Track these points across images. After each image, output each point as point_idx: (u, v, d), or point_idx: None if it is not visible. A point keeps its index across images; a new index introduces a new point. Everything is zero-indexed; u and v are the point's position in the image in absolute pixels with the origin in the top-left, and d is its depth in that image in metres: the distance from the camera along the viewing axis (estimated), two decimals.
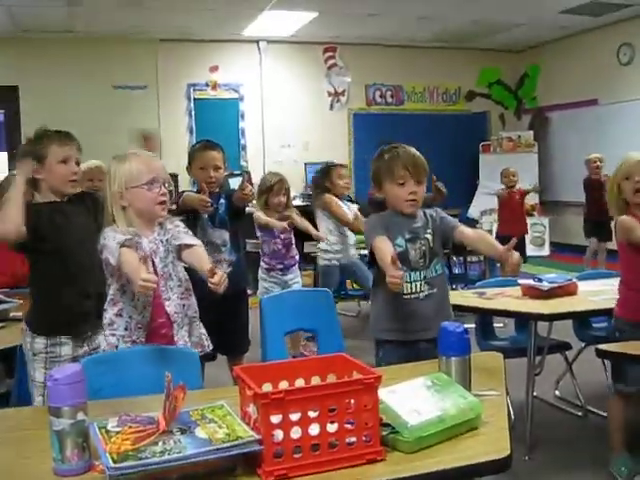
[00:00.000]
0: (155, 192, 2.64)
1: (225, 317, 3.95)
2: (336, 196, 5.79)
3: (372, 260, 2.87)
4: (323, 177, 5.99)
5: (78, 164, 3.05)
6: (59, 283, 2.94)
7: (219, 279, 2.40)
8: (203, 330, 2.83)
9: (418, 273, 2.92)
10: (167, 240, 2.69)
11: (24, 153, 3.04)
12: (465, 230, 3.02)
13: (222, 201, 4.12)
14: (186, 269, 2.76)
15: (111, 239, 2.54)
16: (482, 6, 9.24)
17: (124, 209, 2.65)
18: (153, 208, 2.66)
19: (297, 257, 5.34)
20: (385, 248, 2.75)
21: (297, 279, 5.28)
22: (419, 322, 2.88)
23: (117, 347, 2.63)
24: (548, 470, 3.63)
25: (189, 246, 2.66)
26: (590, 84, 11.00)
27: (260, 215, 5.11)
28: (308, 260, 6.62)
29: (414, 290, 2.92)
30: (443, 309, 2.98)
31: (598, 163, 8.39)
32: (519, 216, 8.15)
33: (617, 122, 10.42)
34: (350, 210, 5.83)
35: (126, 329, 2.64)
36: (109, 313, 2.68)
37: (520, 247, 6.95)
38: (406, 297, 2.91)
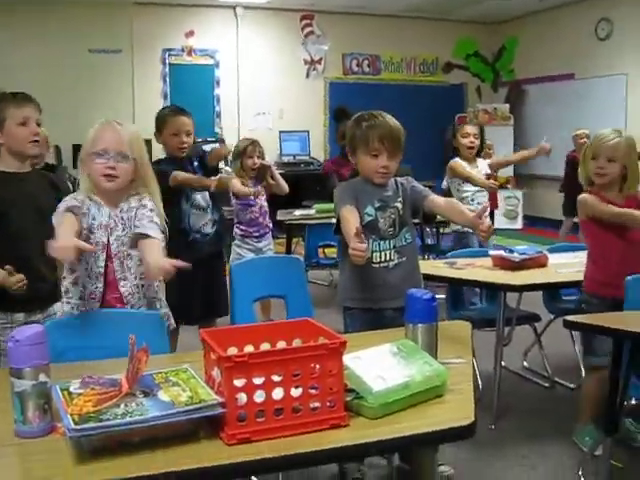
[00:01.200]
0: (99, 163, 2.54)
1: (208, 279, 4.00)
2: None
3: (337, 229, 2.84)
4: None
5: (39, 125, 2.97)
6: (14, 262, 2.81)
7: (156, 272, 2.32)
8: (165, 309, 2.77)
9: (387, 242, 2.92)
10: (129, 218, 2.59)
11: None
12: (436, 199, 3.00)
13: (195, 163, 4.12)
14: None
15: (63, 203, 2.50)
16: None
17: (89, 176, 2.61)
18: (97, 179, 2.56)
19: (271, 225, 5.36)
20: (351, 219, 2.72)
21: (270, 246, 5.32)
22: (388, 291, 2.88)
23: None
24: (513, 439, 3.67)
25: (146, 236, 2.50)
26: (568, 58, 11.03)
27: (235, 183, 5.10)
28: (282, 228, 6.60)
29: (383, 259, 2.91)
30: (413, 278, 2.96)
31: (585, 139, 8.36)
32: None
33: (593, 97, 10.47)
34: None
35: (80, 298, 2.58)
36: (66, 280, 2.62)
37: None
38: (375, 266, 2.90)
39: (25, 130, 2.90)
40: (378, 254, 2.90)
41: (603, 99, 10.28)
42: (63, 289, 2.65)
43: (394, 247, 2.92)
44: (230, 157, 5.36)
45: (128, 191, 2.63)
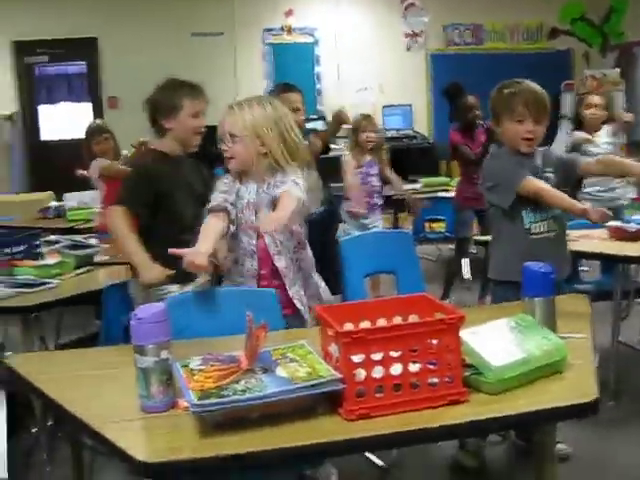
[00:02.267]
0: (223, 147, 2.67)
1: (319, 256, 4.01)
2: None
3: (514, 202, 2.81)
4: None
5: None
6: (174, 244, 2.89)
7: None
8: (321, 283, 2.82)
9: (544, 212, 2.85)
10: (276, 194, 2.61)
11: (154, 102, 3.11)
12: (588, 161, 2.97)
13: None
14: None
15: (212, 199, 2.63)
16: None
17: None
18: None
19: (380, 202, 5.38)
20: (554, 190, 2.76)
21: (376, 223, 5.31)
22: (551, 262, 2.81)
23: None
24: (633, 416, 3.56)
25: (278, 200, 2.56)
26: None
27: (348, 161, 5.18)
28: (388, 202, 6.58)
29: (544, 229, 2.86)
30: (565, 249, 2.96)
31: None
32: None
33: None
34: None
35: (241, 276, 2.68)
36: (228, 260, 2.72)
37: None
38: (535, 237, 2.85)
39: (195, 122, 3.08)
40: (537, 225, 2.85)
41: None
42: (227, 268, 2.74)
43: (548, 218, 2.86)
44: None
45: (270, 166, 2.65)
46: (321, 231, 4.04)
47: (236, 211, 2.64)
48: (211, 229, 2.53)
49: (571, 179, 3.00)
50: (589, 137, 5.25)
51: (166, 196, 3.01)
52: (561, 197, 2.74)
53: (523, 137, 2.84)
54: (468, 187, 5.62)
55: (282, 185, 2.58)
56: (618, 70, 11.33)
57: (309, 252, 2.78)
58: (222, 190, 2.66)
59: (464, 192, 5.69)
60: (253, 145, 2.62)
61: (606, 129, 5.39)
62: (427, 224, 6.42)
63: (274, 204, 2.54)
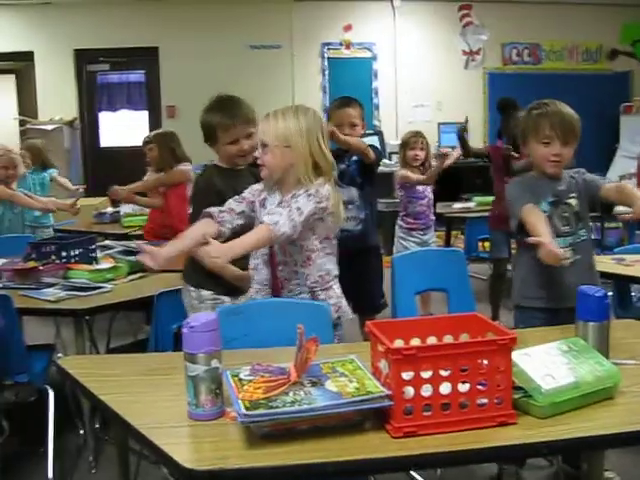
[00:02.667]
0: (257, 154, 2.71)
1: (355, 275, 3.95)
2: None
3: (520, 228, 2.77)
4: None
5: (250, 137, 3.09)
6: None
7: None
8: (336, 300, 2.72)
9: (563, 239, 2.80)
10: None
11: (201, 125, 3.17)
12: (608, 185, 2.85)
13: (354, 158, 4.09)
14: None
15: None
16: None
17: None
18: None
19: (434, 217, 5.41)
20: (537, 222, 2.66)
21: (434, 238, 5.36)
22: (564, 290, 2.76)
23: (255, 299, 2.70)
24: None
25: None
26: None
27: (406, 173, 5.18)
28: (441, 220, 6.57)
29: None
30: (590, 277, 2.81)
31: None
32: None
33: None
34: None
35: (259, 283, 2.71)
36: (250, 267, 2.75)
37: None
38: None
39: (234, 148, 3.10)
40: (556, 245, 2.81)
41: None
42: (249, 276, 2.78)
43: (570, 245, 2.82)
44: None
45: (298, 177, 2.63)
46: (354, 249, 3.92)
47: (256, 220, 2.67)
48: (193, 229, 2.59)
49: (595, 204, 2.89)
50: None
51: None
52: (536, 231, 2.61)
53: (549, 160, 2.80)
54: (498, 206, 5.59)
55: (298, 197, 2.55)
56: None
57: (318, 270, 2.68)
58: (239, 199, 2.71)
59: (494, 211, 5.65)
60: (282, 156, 2.61)
61: None
62: (479, 243, 6.38)
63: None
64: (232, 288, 2.99)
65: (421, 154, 5.27)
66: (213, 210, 2.66)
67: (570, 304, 2.55)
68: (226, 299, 3.02)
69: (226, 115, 3.10)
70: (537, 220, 2.67)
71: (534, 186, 2.86)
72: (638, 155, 8.08)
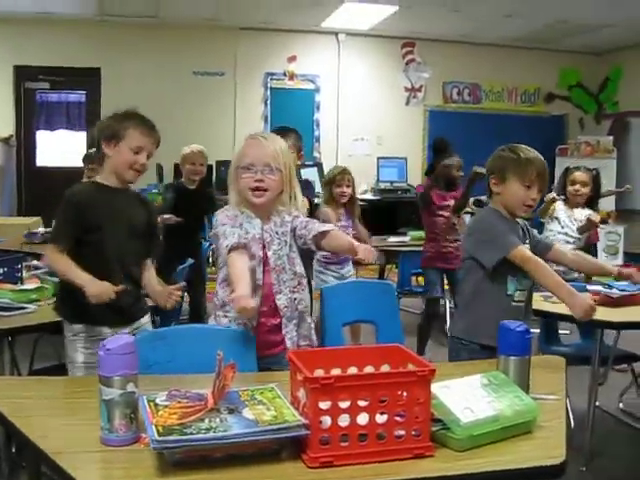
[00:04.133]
0: (247, 177, 2.61)
1: None
2: None
3: (499, 264, 2.80)
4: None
5: (149, 157, 2.98)
6: (98, 276, 2.78)
7: (364, 252, 2.48)
8: (312, 325, 2.80)
9: (527, 280, 2.87)
10: (283, 232, 2.67)
11: (102, 125, 3.00)
12: (562, 250, 3.06)
13: None
14: None
15: (221, 234, 2.58)
16: (566, 5, 9.05)
17: (239, 191, 2.69)
18: (247, 194, 2.63)
19: None
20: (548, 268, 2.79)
21: (352, 272, 5.29)
22: None
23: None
24: None
25: (324, 233, 2.62)
26: None
27: (328, 211, 5.13)
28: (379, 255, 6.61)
29: (522, 298, 2.89)
30: (530, 314, 3.01)
31: None
32: None
33: None
34: None
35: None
36: (220, 294, 2.68)
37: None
38: (515, 304, 2.87)
39: (133, 157, 2.90)
40: (520, 293, 2.87)
41: None
42: (218, 302, 2.69)
43: (532, 285, 2.91)
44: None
45: (277, 204, 2.68)
46: None
47: None
48: (240, 268, 2.46)
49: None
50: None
51: (95, 227, 2.87)
52: (552, 277, 2.75)
53: (526, 203, 2.86)
54: (432, 246, 5.66)
55: (303, 225, 2.67)
56: (611, 138, 11.47)
57: (307, 293, 2.78)
58: (230, 224, 2.61)
59: (426, 251, 5.72)
60: (281, 178, 2.64)
61: (585, 212, 5.27)
62: (413, 277, 6.42)
63: (317, 240, 2.63)
64: (110, 318, 2.88)
65: (348, 191, 5.22)
66: (242, 242, 2.55)
67: None
68: (106, 330, 2.86)
69: (146, 123, 2.98)
70: (544, 265, 2.78)
71: (509, 226, 2.90)
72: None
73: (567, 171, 5.37)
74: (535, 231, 3.07)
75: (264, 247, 2.63)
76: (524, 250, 2.79)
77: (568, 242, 5.17)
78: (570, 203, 5.24)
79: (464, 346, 2.92)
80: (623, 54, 11.84)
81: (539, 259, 2.79)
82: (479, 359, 2.66)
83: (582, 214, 5.23)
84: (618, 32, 10.59)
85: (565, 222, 5.22)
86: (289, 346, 2.64)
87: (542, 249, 2.98)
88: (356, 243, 2.54)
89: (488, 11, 9.53)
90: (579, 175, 5.20)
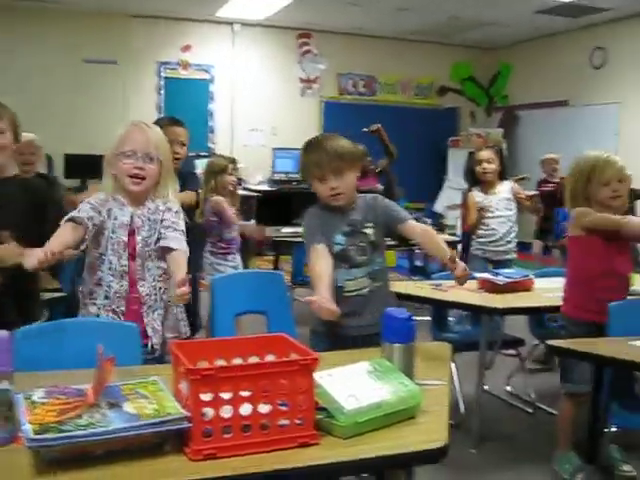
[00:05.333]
0: (127, 164, 2.59)
1: None
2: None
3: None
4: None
5: (16, 137, 2.91)
6: None
7: (181, 294, 2.37)
8: (182, 316, 2.79)
9: (361, 269, 2.82)
10: (155, 220, 2.65)
11: None
12: (413, 226, 2.87)
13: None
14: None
15: (76, 211, 2.53)
16: (459, 1, 9.27)
17: (114, 176, 2.65)
18: (124, 179, 2.61)
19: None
20: (322, 274, 2.65)
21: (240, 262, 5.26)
22: (363, 319, 2.80)
23: (98, 316, 2.61)
24: (494, 464, 3.64)
25: (170, 249, 2.62)
26: (562, 85, 11.08)
27: (222, 202, 5.08)
28: (271, 244, 6.60)
29: (357, 287, 2.82)
30: (387, 302, 2.76)
31: (555, 165, 8.21)
32: None
33: (586, 124, 10.51)
34: None
35: (106, 298, 2.61)
36: (87, 282, 2.65)
37: None
38: (348, 294, 2.81)
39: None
40: (352, 282, 2.81)
41: (596, 127, 10.32)
42: (85, 290, 2.66)
43: (368, 274, 2.83)
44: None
45: (154, 191, 2.68)
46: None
47: (107, 231, 2.59)
48: (62, 235, 2.42)
49: (392, 235, 2.97)
50: (483, 207, 5.24)
51: None
52: (314, 283, 2.65)
53: (328, 194, 2.81)
54: None
55: (167, 224, 2.64)
56: (501, 130, 11.81)
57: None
58: (92, 205, 2.57)
59: None
60: (159, 169, 2.64)
61: (505, 185, 5.38)
62: (306, 268, 6.43)
63: (162, 252, 2.62)
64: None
65: (235, 180, 5.20)
66: (80, 216, 2.50)
67: (372, 331, 2.59)
68: None
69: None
70: (318, 273, 2.66)
71: (328, 218, 2.85)
72: (464, 190, 8.43)
73: (471, 155, 5.47)
74: (390, 204, 2.92)
75: (132, 234, 2.61)
76: (314, 252, 2.73)
77: (510, 221, 5.29)
78: (485, 187, 5.28)
79: (315, 335, 2.92)
80: (513, 50, 12.21)
81: (315, 267, 2.69)
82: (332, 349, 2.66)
83: (503, 189, 5.32)
84: (508, 29, 10.92)
85: (493, 207, 5.25)
86: (150, 334, 2.63)
87: (394, 223, 2.87)
88: None
89: (384, 4, 9.65)
90: (483, 154, 5.28)
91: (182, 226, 2.71)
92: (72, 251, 2.60)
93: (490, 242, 5.26)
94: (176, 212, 2.71)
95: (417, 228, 2.90)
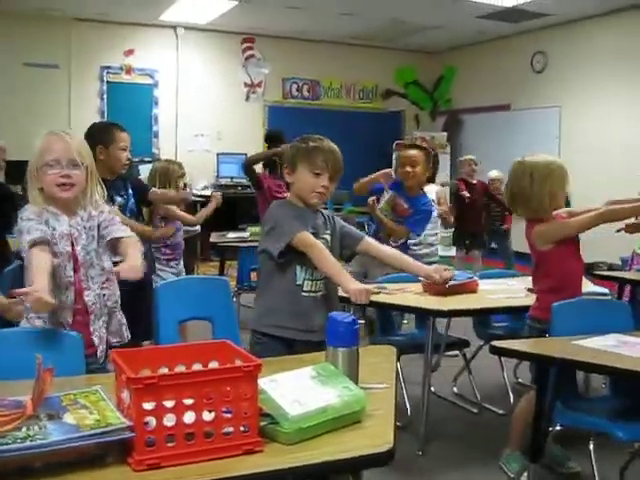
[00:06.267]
0: (53, 173, 2.54)
1: (136, 302, 3.88)
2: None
3: (285, 252, 2.77)
4: None
5: None
6: None
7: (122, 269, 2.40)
8: (124, 320, 2.77)
9: (319, 272, 2.82)
10: (91, 227, 2.62)
11: None
12: (376, 244, 3.03)
13: (130, 191, 4.02)
14: None
15: (24, 230, 2.48)
16: (402, 6, 9.34)
17: (41, 190, 2.59)
18: (52, 189, 2.56)
19: None
20: (327, 253, 2.74)
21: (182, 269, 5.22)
22: (313, 322, 2.79)
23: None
24: (441, 465, 3.66)
25: (119, 239, 2.62)
26: (504, 89, 11.26)
27: (176, 209, 5.04)
28: (217, 250, 6.56)
29: (313, 288, 2.84)
30: (335, 307, 2.88)
31: (474, 166, 8.29)
32: None
33: (528, 127, 10.69)
34: None
35: (51, 311, 2.53)
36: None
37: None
38: (305, 294, 2.83)
39: None
40: (310, 283, 2.83)
41: (537, 130, 10.50)
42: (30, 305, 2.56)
43: (323, 278, 2.84)
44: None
45: (83, 199, 2.65)
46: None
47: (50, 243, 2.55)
48: (42, 263, 2.39)
49: (346, 252, 3.02)
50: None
51: None
52: (332, 263, 2.73)
53: (316, 190, 2.84)
54: None
55: (105, 224, 2.65)
56: (445, 134, 11.94)
57: (117, 289, 2.73)
58: (36, 220, 2.52)
59: None
60: (83, 174, 2.60)
61: (433, 188, 5.38)
62: (252, 273, 6.40)
63: (112, 246, 2.63)
64: None
65: (182, 185, 5.17)
66: (40, 237, 2.45)
67: (315, 338, 2.61)
68: None
69: None
70: (326, 252, 2.75)
71: (298, 213, 2.87)
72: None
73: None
74: (346, 225, 3.03)
75: (72, 243, 2.58)
76: (307, 236, 2.76)
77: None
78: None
79: (258, 337, 2.90)
80: (456, 54, 12.37)
81: (323, 246, 2.77)
82: (271, 354, 2.64)
83: (431, 190, 5.36)
84: (451, 33, 11.04)
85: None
86: (97, 343, 2.62)
87: (351, 241, 2.98)
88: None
89: (327, 8, 9.69)
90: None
91: (119, 220, 2.73)
92: None
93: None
94: (109, 212, 2.72)
95: (383, 248, 3.08)
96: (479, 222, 8.19)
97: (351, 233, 3.03)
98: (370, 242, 3.05)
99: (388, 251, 3.13)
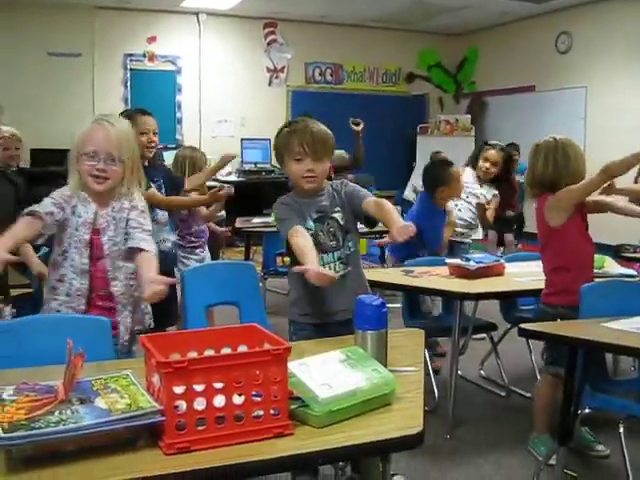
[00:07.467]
0: (89, 165, 2.56)
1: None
2: None
3: (288, 248, 2.77)
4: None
5: None
6: None
7: (155, 292, 2.34)
8: (148, 309, 2.80)
9: (331, 254, 2.80)
10: (120, 218, 2.64)
11: None
12: (369, 200, 2.80)
13: (161, 180, 4.05)
14: None
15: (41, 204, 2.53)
16: None
17: (79, 173, 2.62)
18: (86, 178, 2.59)
19: None
20: (304, 249, 2.61)
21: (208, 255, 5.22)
22: (336, 304, 2.78)
23: (59, 312, 2.60)
24: (469, 448, 3.64)
25: (140, 250, 2.60)
26: (528, 71, 11.14)
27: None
28: (241, 235, 6.56)
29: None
30: (360, 287, 2.83)
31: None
32: None
33: (553, 109, 10.58)
34: None
35: (67, 295, 2.60)
36: (51, 277, 2.64)
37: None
38: None
39: None
40: (326, 267, 2.76)
41: (563, 111, 10.40)
42: (50, 285, 2.65)
43: (339, 258, 2.82)
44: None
45: (119, 190, 2.66)
46: (168, 268, 3.90)
47: (70, 228, 2.59)
48: (17, 231, 2.45)
49: (358, 217, 2.88)
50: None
51: None
52: (298, 247, 2.63)
53: (304, 176, 2.78)
54: None
55: (133, 224, 2.63)
56: (469, 116, 11.85)
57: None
58: (55, 202, 2.56)
59: None
60: (123, 168, 2.62)
61: (490, 191, 5.55)
62: (278, 257, 6.40)
63: (130, 252, 2.61)
64: None
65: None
66: (39, 211, 2.49)
67: (343, 317, 2.62)
68: None
69: None
70: (303, 245, 2.63)
71: (297, 204, 2.83)
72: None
73: (483, 146, 5.58)
74: (353, 187, 2.88)
75: (94, 232, 2.60)
76: (291, 233, 2.69)
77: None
78: (479, 178, 5.51)
79: (294, 325, 2.91)
80: (479, 35, 12.25)
81: (299, 236, 2.66)
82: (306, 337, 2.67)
83: (487, 192, 5.52)
84: (474, 14, 10.93)
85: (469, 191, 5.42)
86: (122, 332, 2.65)
87: (355, 204, 2.83)
88: None
89: None
90: (492, 154, 5.49)
91: (149, 226, 2.71)
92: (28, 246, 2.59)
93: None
94: (142, 211, 2.70)
95: (371, 201, 2.79)
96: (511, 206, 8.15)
97: (354, 194, 2.85)
98: (367, 200, 2.79)
99: (373, 203, 2.77)
